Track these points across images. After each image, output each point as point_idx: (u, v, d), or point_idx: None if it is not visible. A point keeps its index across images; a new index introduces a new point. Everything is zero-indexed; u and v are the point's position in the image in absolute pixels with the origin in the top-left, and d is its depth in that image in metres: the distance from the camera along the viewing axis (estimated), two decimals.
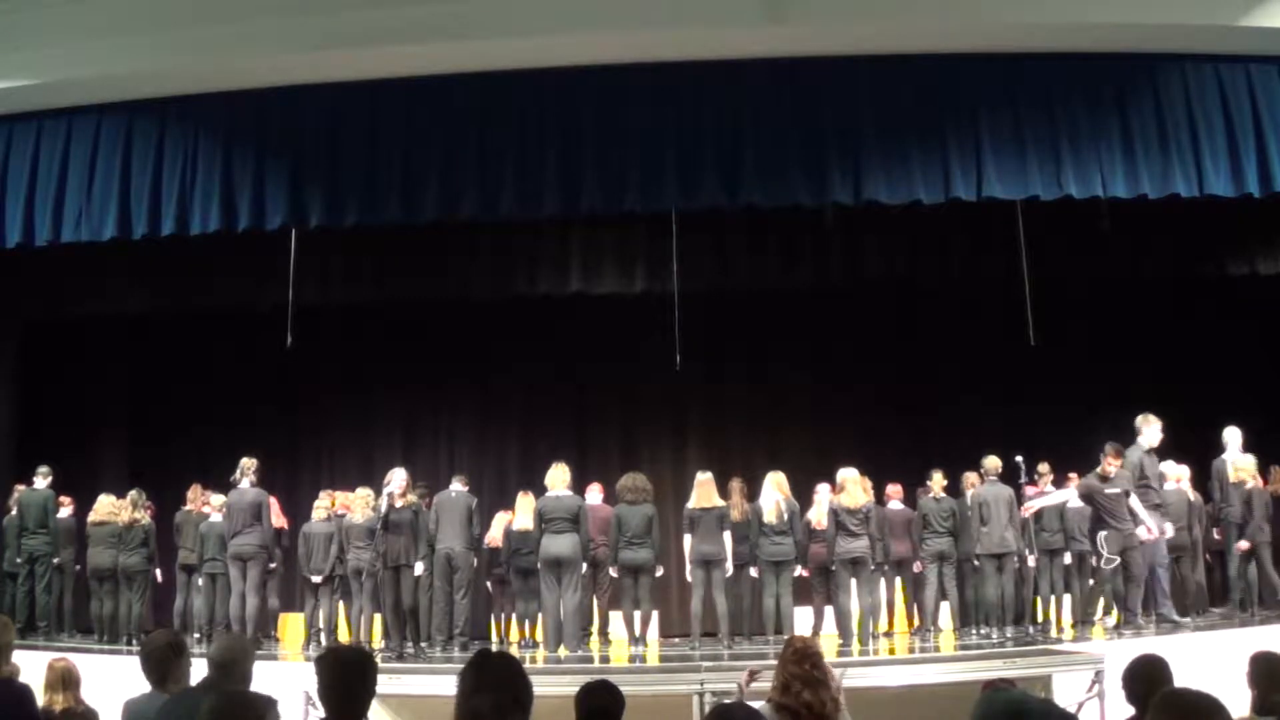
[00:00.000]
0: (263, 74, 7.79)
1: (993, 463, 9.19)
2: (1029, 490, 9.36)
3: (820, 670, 3.68)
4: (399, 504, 8.81)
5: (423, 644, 8.93)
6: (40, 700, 4.34)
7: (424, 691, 6.64)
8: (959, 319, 11.32)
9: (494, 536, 9.94)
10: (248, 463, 9.16)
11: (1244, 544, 9.06)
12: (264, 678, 3.70)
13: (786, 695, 3.63)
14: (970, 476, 9.44)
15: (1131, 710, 3.66)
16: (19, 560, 9.74)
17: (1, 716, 3.99)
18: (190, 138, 7.94)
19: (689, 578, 9.08)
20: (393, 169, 7.81)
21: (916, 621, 9.74)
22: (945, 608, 9.53)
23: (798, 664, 3.67)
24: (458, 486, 9.26)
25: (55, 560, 9.88)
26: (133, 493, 9.72)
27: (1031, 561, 9.34)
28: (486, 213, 7.98)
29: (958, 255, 10.37)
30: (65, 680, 4.49)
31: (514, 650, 9.38)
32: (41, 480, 9.93)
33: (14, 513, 9.85)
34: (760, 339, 11.62)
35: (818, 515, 9.25)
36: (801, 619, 9.49)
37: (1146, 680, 3.54)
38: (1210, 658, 6.01)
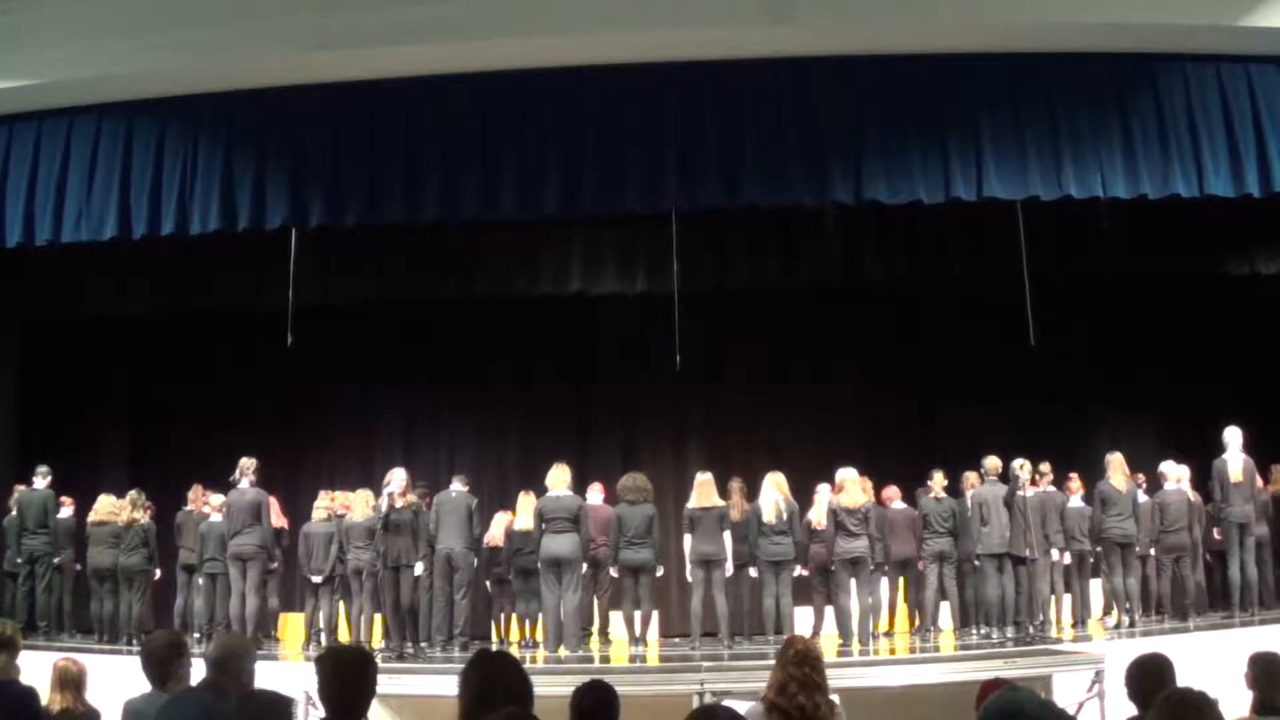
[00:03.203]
0: (263, 74, 7.79)
1: (993, 463, 9.18)
2: (1031, 490, 9.33)
3: (819, 674, 3.66)
4: (399, 504, 8.81)
5: (423, 644, 8.93)
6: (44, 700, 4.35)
7: (424, 691, 6.64)
8: (959, 319, 11.32)
9: (494, 536, 9.94)
10: (247, 463, 9.15)
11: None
12: (264, 678, 3.70)
13: (782, 696, 3.62)
14: (970, 476, 9.43)
15: (1134, 710, 3.66)
16: (19, 560, 9.74)
17: (5, 718, 4.00)
18: (190, 137, 7.94)
19: (689, 578, 9.07)
20: (393, 169, 7.81)
21: (916, 621, 9.74)
22: (945, 608, 9.53)
23: (797, 666, 3.66)
24: (458, 486, 9.26)
25: (55, 560, 9.88)
26: (132, 493, 9.71)
27: (1056, 556, 9.30)
28: (487, 212, 7.98)
29: (958, 255, 10.37)
30: (64, 680, 4.49)
31: (514, 650, 9.37)
32: (41, 480, 9.92)
33: (14, 513, 9.85)
34: (760, 339, 11.61)
35: (817, 515, 9.25)
36: (801, 619, 9.50)
37: (1150, 679, 3.54)
38: (1210, 658, 6.01)
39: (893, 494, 9.65)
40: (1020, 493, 8.98)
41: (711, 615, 8.83)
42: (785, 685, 3.62)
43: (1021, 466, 9.27)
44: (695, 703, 5.98)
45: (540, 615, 9.04)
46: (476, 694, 2.84)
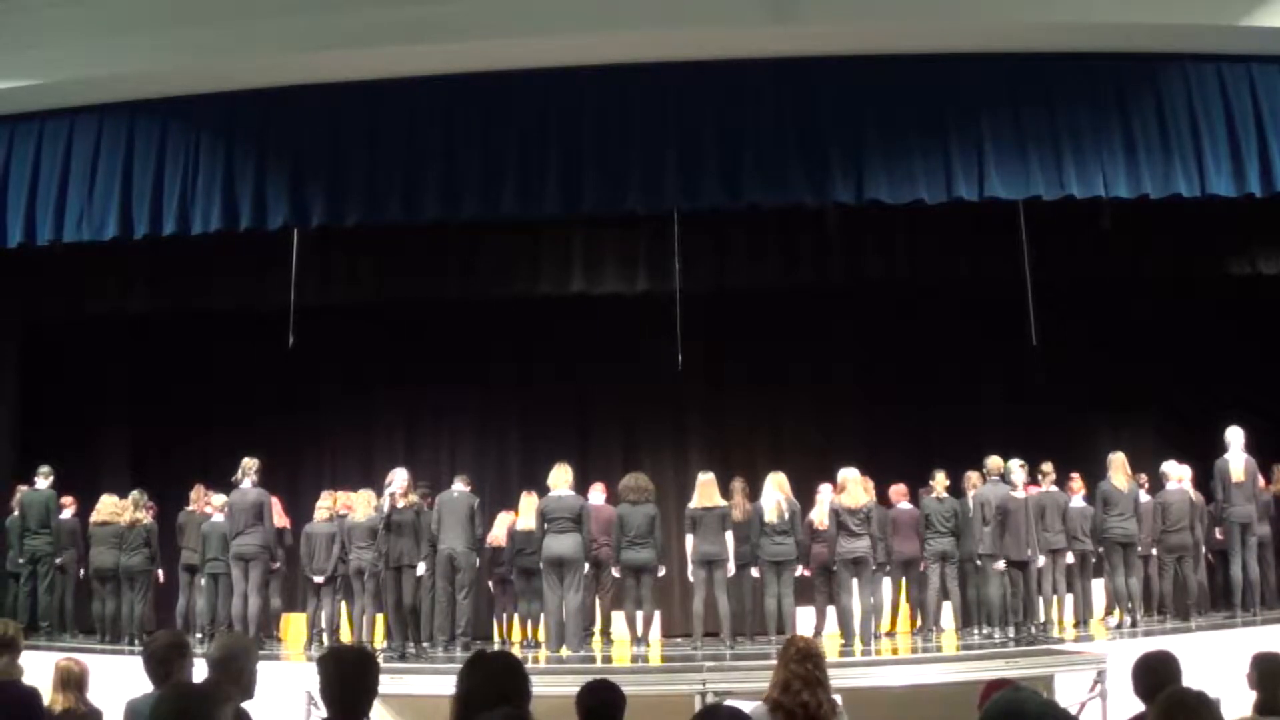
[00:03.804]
0: (264, 74, 7.79)
1: (995, 463, 9.18)
2: (1031, 490, 9.35)
3: (821, 671, 3.67)
4: (401, 504, 8.82)
5: (425, 644, 8.93)
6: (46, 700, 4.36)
7: (426, 691, 6.65)
8: (959, 319, 11.32)
9: (496, 536, 9.94)
10: (249, 463, 9.16)
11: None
12: (266, 678, 3.70)
13: (786, 694, 3.62)
14: (972, 476, 9.42)
15: (1137, 708, 3.67)
16: (21, 560, 9.74)
17: (7, 718, 4.00)
18: (192, 138, 7.95)
19: (691, 578, 9.08)
20: (394, 169, 7.81)
21: (918, 621, 9.74)
22: (947, 608, 9.52)
23: (800, 663, 3.67)
24: (460, 486, 9.25)
25: (57, 560, 9.88)
26: (134, 493, 9.72)
27: (1041, 561, 9.31)
28: (488, 212, 7.99)
29: (959, 255, 10.37)
30: (65, 680, 4.49)
31: (516, 650, 9.38)
32: (43, 480, 9.92)
33: (16, 513, 9.85)
34: (761, 339, 11.61)
35: (819, 515, 9.26)
36: (803, 619, 9.49)
37: (1157, 677, 3.55)
38: (1212, 658, 6.01)
39: (897, 494, 9.64)
40: (1013, 493, 9.00)
41: (713, 615, 8.83)
42: (789, 683, 3.62)
43: (1022, 467, 9.29)
44: (697, 703, 6.00)
45: (542, 615, 9.04)
46: (473, 694, 2.83)
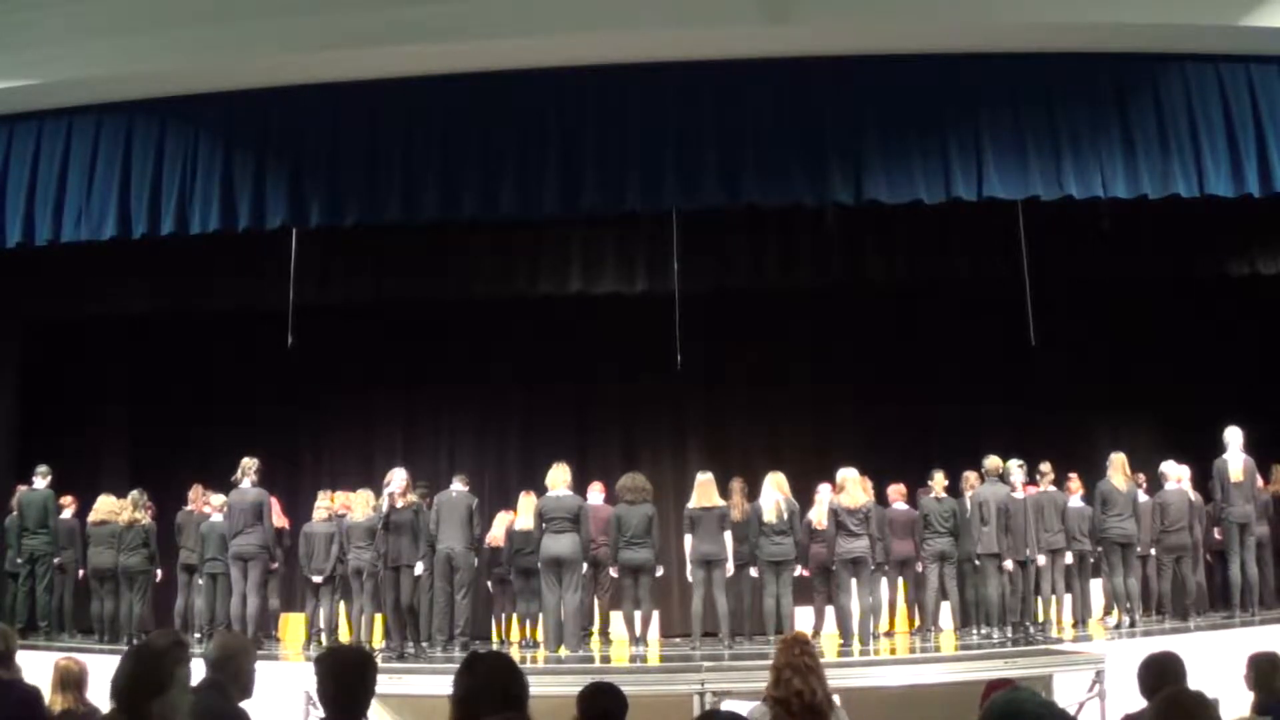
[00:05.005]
0: (263, 74, 7.78)
1: (993, 463, 9.19)
2: (1029, 490, 9.36)
3: (811, 658, 3.67)
4: (399, 504, 8.81)
5: (423, 644, 8.93)
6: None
7: (424, 691, 6.66)
8: (959, 319, 11.33)
9: (495, 536, 9.95)
10: (248, 463, 9.16)
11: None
12: (264, 678, 3.70)
13: (778, 687, 3.62)
14: (970, 476, 9.42)
15: (1137, 707, 3.67)
16: (20, 560, 9.74)
17: (10, 718, 4.01)
18: (190, 137, 7.93)
19: (689, 578, 9.08)
20: (393, 168, 7.80)
21: (917, 621, 9.74)
22: (946, 608, 9.53)
23: (787, 650, 3.67)
24: (458, 486, 9.26)
25: (56, 560, 9.88)
26: (133, 493, 9.72)
27: (1042, 560, 9.32)
28: (487, 212, 7.98)
29: (958, 255, 10.37)
30: (65, 680, 4.49)
31: (514, 650, 9.38)
32: (41, 480, 9.92)
33: (15, 513, 9.85)
34: (760, 339, 11.62)
35: (818, 515, 9.26)
36: (802, 619, 9.50)
37: (1161, 676, 3.56)
38: (1211, 658, 6.00)
39: (896, 493, 9.63)
40: (1013, 494, 8.98)
41: (712, 615, 8.83)
42: (780, 673, 3.62)
43: (1021, 467, 9.29)
44: (695, 703, 6.00)
45: (541, 615, 9.04)
46: (469, 697, 2.83)
